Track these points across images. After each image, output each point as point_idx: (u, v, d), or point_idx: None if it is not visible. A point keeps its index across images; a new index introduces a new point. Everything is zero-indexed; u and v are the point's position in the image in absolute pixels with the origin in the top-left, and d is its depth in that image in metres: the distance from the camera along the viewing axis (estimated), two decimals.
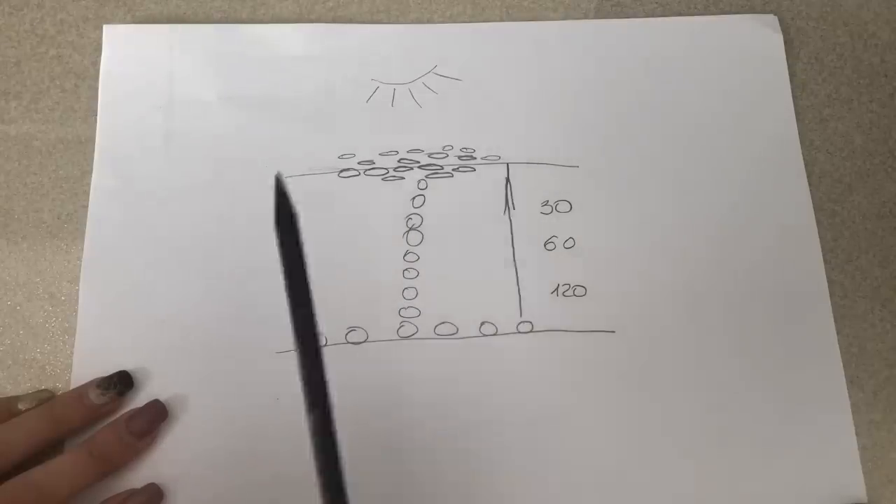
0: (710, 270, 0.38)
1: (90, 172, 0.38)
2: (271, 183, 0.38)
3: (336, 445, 0.30)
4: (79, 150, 0.39)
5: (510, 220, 0.38)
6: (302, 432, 0.34)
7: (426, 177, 0.39)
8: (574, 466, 0.35)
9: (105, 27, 0.40)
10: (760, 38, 0.42)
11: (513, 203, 0.38)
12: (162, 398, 0.34)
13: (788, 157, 0.40)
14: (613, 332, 0.37)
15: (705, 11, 0.42)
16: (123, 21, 0.41)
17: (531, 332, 0.37)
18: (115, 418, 0.34)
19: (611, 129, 0.40)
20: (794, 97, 0.41)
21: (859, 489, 0.35)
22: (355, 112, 0.39)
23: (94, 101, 0.39)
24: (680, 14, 0.42)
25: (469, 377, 0.36)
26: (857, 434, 0.36)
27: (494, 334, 0.36)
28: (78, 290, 0.36)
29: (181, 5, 0.41)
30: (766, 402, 0.36)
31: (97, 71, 0.39)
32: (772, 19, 0.42)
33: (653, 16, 0.42)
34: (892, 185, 0.40)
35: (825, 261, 0.38)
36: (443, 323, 0.36)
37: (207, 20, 0.41)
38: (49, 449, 0.33)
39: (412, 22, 0.41)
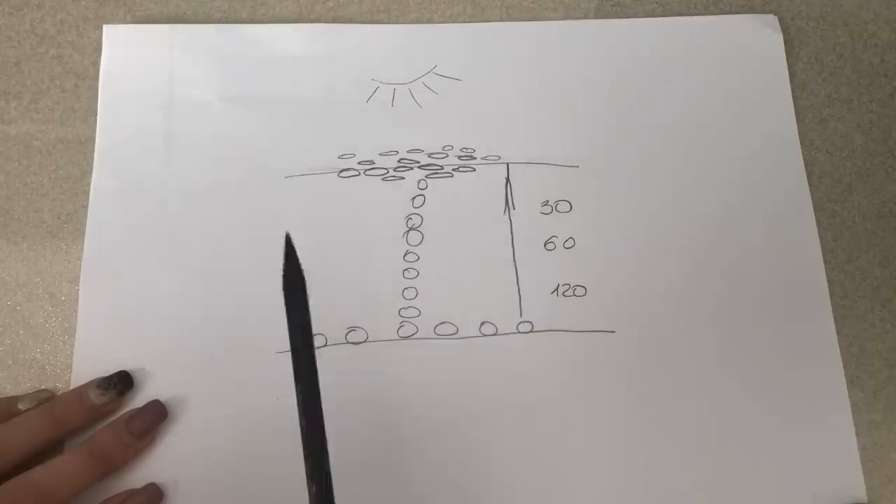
0: (709, 270, 0.38)
1: (90, 172, 0.38)
2: (271, 183, 0.38)
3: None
4: (79, 150, 0.39)
5: (510, 220, 0.38)
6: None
7: (426, 177, 0.39)
8: (574, 466, 0.35)
9: (105, 27, 0.40)
10: (760, 38, 0.42)
11: (513, 203, 0.38)
12: (162, 398, 0.34)
13: (788, 157, 0.40)
14: (613, 332, 0.37)
15: (705, 11, 0.42)
16: (123, 21, 0.41)
17: (531, 332, 0.37)
18: (115, 418, 0.34)
19: (611, 129, 0.40)
20: (794, 97, 0.41)
21: (859, 489, 0.35)
22: (355, 112, 0.39)
23: (94, 101, 0.39)
24: (680, 14, 0.42)
25: (469, 377, 0.36)
26: (857, 434, 0.36)
27: (494, 334, 0.36)
28: (78, 290, 0.36)
29: (181, 5, 0.41)
30: (766, 402, 0.36)
31: (97, 71, 0.39)
32: (772, 19, 0.42)
33: (653, 16, 0.42)
34: (892, 185, 0.40)
35: (825, 261, 0.38)
36: (443, 323, 0.36)
37: (207, 20, 0.41)
38: (49, 449, 0.33)
39: (412, 22, 0.41)
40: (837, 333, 0.37)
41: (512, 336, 0.36)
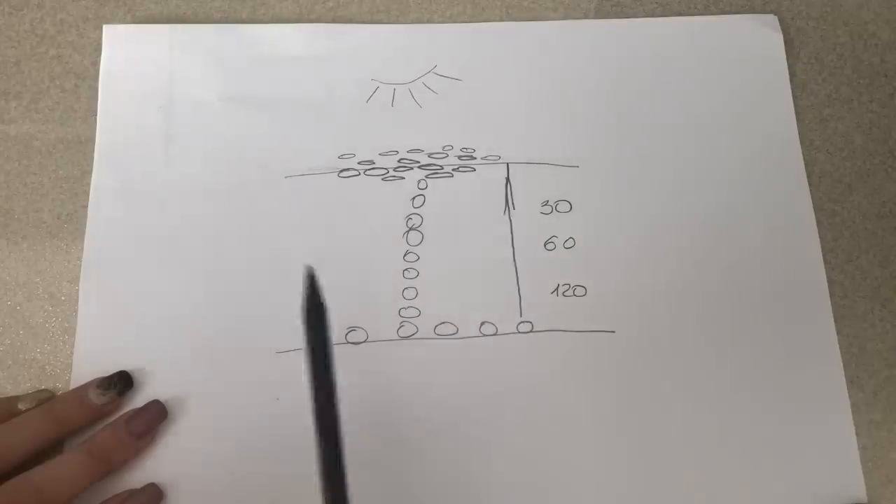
0: (709, 270, 0.38)
1: (90, 172, 0.38)
2: (271, 183, 0.38)
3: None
4: (79, 150, 0.39)
5: (510, 220, 0.38)
6: (302, 432, 0.34)
7: (426, 177, 0.39)
8: (574, 466, 0.35)
9: (105, 27, 0.40)
10: (760, 38, 0.42)
11: (513, 203, 0.38)
12: (162, 398, 0.34)
13: (788, 157, 0.40)
14: (613, 332, 0.37)
15: (705, 11, 0.42)
16: (123, 21, 0.41)
17: (531, 332, 0.37)
18: (115, 418, 0.34)
19: (611, 129, 0.40)
20: (794, 97, 0.41)
21: (859, 489, 0.35)
22: (355, 112, 0.39)
23: (94, 101, 0.39)
24: (680, 14, 0.42)
25: (469, 377, 0.36)
26: (857, 434, 0.36)
27: (494, 334, 0.36)
28: (78, 290, 0.36)
29: (181, 5, 0.41)
30: (766, 402, 0.36)
31: (97, 71, 0.39)
32: (772, 19, 0.42)
33: (653, 16, 0.42)
34: (892, 185, 0.40)
35: (825, 261, 0.38)
36: (443, 323, 0.36)
37: (207, 20, 0.41)
38: (49, 449, 0.33)
39: (412, 22, 0.41)
40: (837, 333, 0.37)
41: (512, 336, 0.36)
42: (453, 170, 0.39)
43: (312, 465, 0.33)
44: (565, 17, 0.42)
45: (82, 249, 0.37)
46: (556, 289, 0.37)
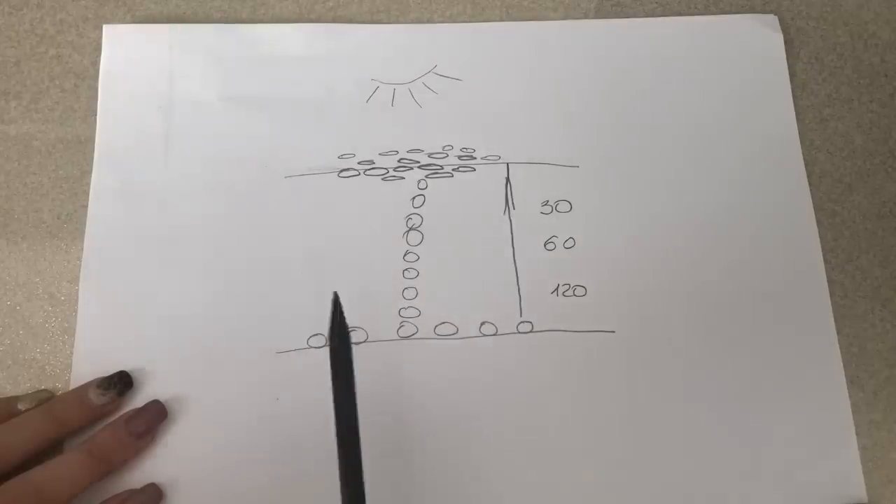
0: (709, 270, 0.38)
1: (90, 172, 0.38)
2: (271, 183, 0.38)
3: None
4: (78, 150, 0.39)
5: (510, 220, 0.38)
6: (301, 432, 0.34)
7: (426, 177, 0.39)
8: (574, 465, 0.35)
9: (105, 27, 0.40)
10: (760, 38, 0.42)
11: (513, 203, 0.38)
12: (162, 398, 0.34)
13: (788, 157, 0.40)
14: (613, 332, 0.37)
15: (705, 11, 0.42)
16: (123, 21, 0.41)
17: (531, 332, 0.37)
18: (115, 418, 0.34)
19: (611, 129, 0.40)
20: (794, 97, 0.41)
21: (859, 489, 0.35)
22: (355, 112, 0.39)
23: (93, 101, 0.39)
24: (680, 14, 0.42)
25: (469, 377, 0.36)
26: (857, 434, 0.36)
27: (494, 334, 0.36)
28: (77, 290, 0.36)
29: (181, 5, 0.41)
30: (766, 402, 0.36)
31: (97, 71, 0.39)
32: (772, 19, 0.42)
33: (653, 16, 0.42)
34: (892, 185, 0.40)
35: (825, 261, 0.38)
36: (443, 323, 0.36)
37: (207, 20, 0.41)
38: (49, 449, 0.33)
39: (412, 22, 0.41)
40: (837, 333, 0.37)
41: (512, 336, 0.36)
42: (453, 170, 0.39)
43: (312, 465, 0.33)
44: (565, 17, 0.42)
45: (82, 249, 0.37)
46: (556, 289, 0.37)
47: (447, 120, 0.39)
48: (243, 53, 0.40)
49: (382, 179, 0.38)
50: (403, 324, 0.36)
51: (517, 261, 0.38)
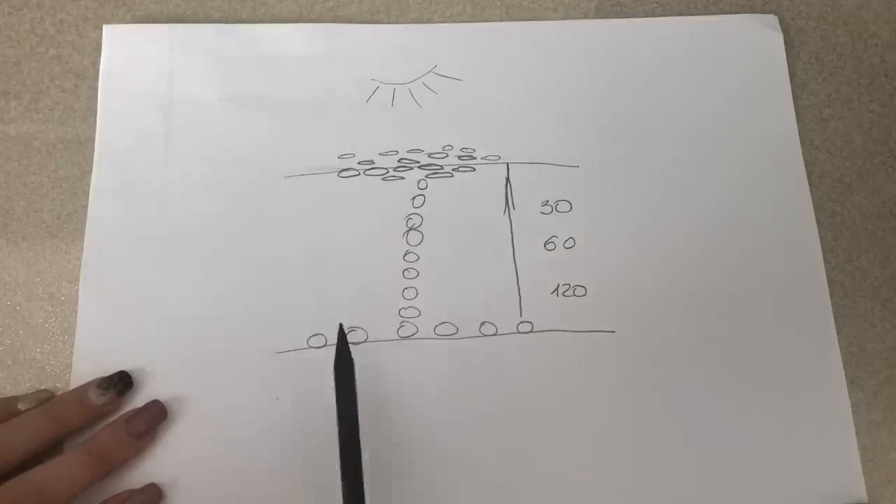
0: (709, 270, 0.38)
1: (90, 172, 0.38)
2: (271, 183, 0.38)
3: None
4: (78, 150, 0.39)
5: (510, 220, 0.38)
6: (301, 432, 0.34)
7: (426, 177, 0.39)
8: (574, 466, 0.35)
9: (105, 27, 0.40)
10: (760, 38, 0.42)
11: (513, 203, 0.38)
12: (162, 398, 0.34)
13: (788, 157, 0.40)
14: (613, 332, 0.37)
15: (705, 11, 0.42)
16: (123, 21, 0.41)
17: (531, 332, 0.37)
18: (115, 418, 0.34)
19: (611, 129, 0.40)
20: (794, 97, 0.41)
21: (859, 489, 0.35)
22: (355, 112, 0.39)
23: (93, 101, 0.39)
24: (680, 14, 0.42)
25: (469, 377, 0.36)
26: (857, 434, 0.36)
27: (494, 334, 0.36)
28: (77, 290, 0.36)
29: (181, 5, 0.41)
30: (766, 402, 0.36)
31: (97, 71, 0.39)
32: (772, 19, 0.42)
33: (653, 16, 0.42)
34: (892, 185, 0.40)
35: (825, 261, 0.38)
36: (443, 323, 0.36)
37: (207, 20, 0.41)
38: (49, 449, 0.33)
39: (412, 22, 0.41)
40: (837, 333, 0.37)
41: (512, 336, 0.36)
42: (453, 170, 0.39)
43: (312, 465, 0.34)
44: (565, 17, 0.42)
45: (82, 249, 0.37)
46: (556, 289, 0.37)
47: (447, 120, 0.39)
48: (243, 53, 0.40)
49: (382, 179, 0.38)
50: (403, 324, 0.36)
51: (517, 261, 0.38)
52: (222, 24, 0.41)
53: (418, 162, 0.39)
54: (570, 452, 0.35)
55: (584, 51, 0.41)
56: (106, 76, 0.39)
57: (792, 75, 0.41)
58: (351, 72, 0.40)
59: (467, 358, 0.36)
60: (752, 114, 0.40)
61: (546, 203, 0.39)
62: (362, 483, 0.31)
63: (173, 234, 0.37)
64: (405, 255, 0.37)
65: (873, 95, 0.42)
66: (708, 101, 0.41)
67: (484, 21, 0.42)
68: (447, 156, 0.39)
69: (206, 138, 0.39)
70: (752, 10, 0.43)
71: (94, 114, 0.39)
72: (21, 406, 0.33)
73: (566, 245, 0.38)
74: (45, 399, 0.34)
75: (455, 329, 0.36)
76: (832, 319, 0.38)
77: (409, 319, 0.36)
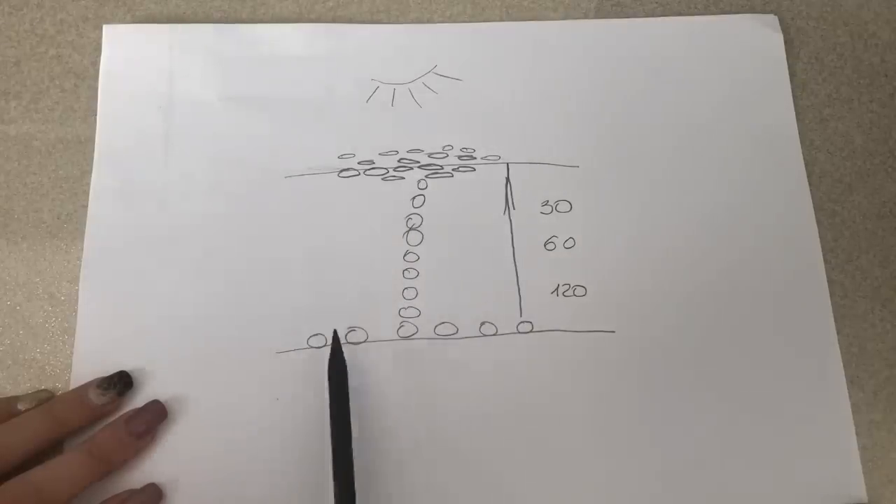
0: (709, 270, 0.38)
1: (90, 172, 0.38)
2: (271, 183, 0.38)
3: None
4: (78, 150, 0.39)
5: (510, 220, 0.38)
6: (301, 432, 0.34)
7: (426, 177, 0.39)
8: (574, 466, 0.35)
9: (105, 27, 0.40)
10: (760, 37, 0.42)
11: (513, 203, 0.38)
12: (162, 398, 0.34)
13: (788, 157, 0.40)
14: (613, 332, 0.37)
15: (705, 11, 0.42)
16: (123, 21, 0.41)
17: (531, 332, 0.37)
18: (115, 418, 0.34)
19: (611, 129, 0.40)
20: (794, 97, 0.41)
21: (859, 489, 0.35)
22: (355, 112, 0.39)
23: (93, 101, 0.39)
24: (680, 14, 0.42)
25: (469, 377, 0.36)
26: (857, 434, 0.36)
27: (494, 334, 0.36)
28: (77, 290, 0.36)
29: (181, 5, 0.41)
30: (766, 402, 0.36)
31: (97, 71, 0.39)
32: (772, 19, 0.42)
33: (653, 16, 0.42)
34: (892, 185, 0.40)
35: (825, 261, 0.38)
36: (443, 323, 0.36)
37: (207, 20, 0.41)
38: (49, 449, 0.33)
39: (412, 22, 0.41)
40: (837, 333, 0.37)
41: (512, 336, 0.36)
42: (453, 170, 0.39)
43: (311, 465, 0.33)
44: (565, 17, 0.42)
45: (82, 249, 0.37)
46: (556, 289, 0.37)
47: (447, 120, 0.39)
48: (243, 53, 0.40)
49: (382, 179, 0.38)
50: (403, 324, 0.36)
51: (517, 261, 0.38)
52: (222, 24, 0.41)
53: (418, 162, 0.39)
54: (569, 452, 0.35)
55: (584, 51, 0.41)
56: (106, 76, 0.39)
57: (792, 75, 0.41)
58: (351, 72, 0.40)
59: (467, 358, 0.36)
60: (753, 114, 0.40)
61: (546, 203, 0.39)
62: (353, 483, 0.31)
63: (173, 234, 0.37)
64: (405, 255, 0.37)
65: (873, 95, 0.42)
66: (708, 101, 0.41)
67: (484, 21, 0.42)
68: (447, 156, 0.39)
69: (206, 138, 0.39)
70: (752, 10, 0.43)
71: (94, 114, 0.39)
72: (21, 406, 0.33)
73: (566, 245, 0.38)
74: (45, 399, 0.34)
75: (455, 329, 0.36)
76: (832, 319, 0.38)
77: (409, 319, 0.36)
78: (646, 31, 0.42)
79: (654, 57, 0.41)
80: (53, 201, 0.38)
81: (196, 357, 0.35)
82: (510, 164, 0.39)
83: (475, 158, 0.39)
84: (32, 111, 0.39)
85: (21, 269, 0.37)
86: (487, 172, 0.39)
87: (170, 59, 0.40)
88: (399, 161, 0.39)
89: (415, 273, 0.37)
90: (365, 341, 0.36)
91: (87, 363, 0.35)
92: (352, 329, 0.36)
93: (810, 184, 0.40)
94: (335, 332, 0.35)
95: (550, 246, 0.38)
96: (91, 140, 0.38)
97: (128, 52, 0.40)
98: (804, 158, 0.40)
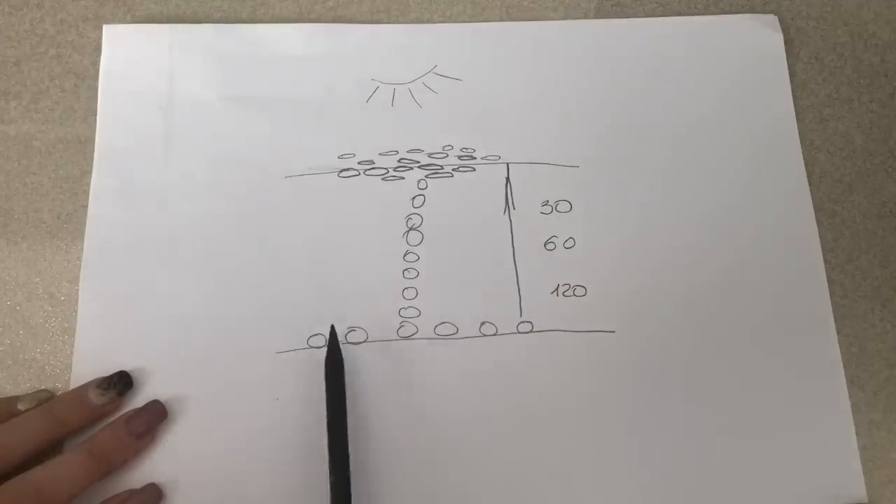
0: (709, 270, 0.38)
1: (90, 172, 0.38)
2: (271, 183, 0.38)
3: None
4: (79, 150, 0.39)
5: (510, 220, 0.38)
6: (301, 432, 0.34)
7: (426, 177, 0.39)
8: (574, 466, 0.35)
9: (105, 27, 0.40)
10: (760, 38, 0.42)
11: (513, 203, 0.38)
12: (162, 398, 0.34)
13: (788, 157, 0.40)
14: (613, 332, 0.37)
15: (705, 11, 0.42)
16: (123, 21, 0.41)
17: (531, 332, 0.37)
18: (115, 418, 0.34)
19: (611, 129, 0.40)
20: (794, 97, 0.41)
21: (859, 489, 0.35)
22: (355, 112, 0.39)
23: (93, 101, 0.39)
24: (680, 14, 0.42)
25: (469, 377, 0.36)
26: (857, 434, 0.36)
27: (494, 334, 0.36)
28: (77, 290, 0.36)
29: (181, 5, 0.41)
30: (766, 402, 0.36)
31: (97, 71, 0.39)
32: (772, 19, 0.42)
33: (653, 16, 0.42)
34: (892, 185, 0.40)
35: (825, 261, 0.38)
36: (443, 323, 0.36)
37: (207, 20, 0.41)
38: (49, 449, 0.33)
39: (412, 22, 0.41)
40: (837, 333, 0.37)
41: (512, 336, 0.36)
42: (453, 170, 0.39)
43: (311, 465, 0.33)
44: (565, 17, 0.42)
45: (82, 249, 0.37)
46: (556, 289, 0.37)
47: (447, 120, 0.39)
48: (243, 53, 0.40)
49: (382, 179, 0.38)
50: (403, 324, 0.36)
51: (517, 261, 0.38)
52: (222, 24, 0.41)
53: (418, 162, 0.39)
54: (570, 452, 0.35)
55: (584, 51, 0.41)
56: (106, 76, 0.39)
57: (792, 75, 0.41)
58: (351, 72, 0.40)
59: (467, 358, 0.36)
60: (752, 114, 0.40)
61: (546, 203, 0.39)
62: (349, 479, 0.32)
63: (173, 234, 0.37)
64: (405, 255, 0.37)
65: (873, 95, 0.42)
66: (708, 101, 0.41)
67: (484, 21, 0.42)
68: (447, 156, 0.39)
69: (206, 138, 0.39)
70: (752, 10, 0.43)
71: (94, 114, 0.39)
72: (21, 406, 0.33)
73: (566, 245, 0.38)
74: (45, 399, 0.34)
75: (455, 329, 0.36)
76: (832, 319, 0.38)
77: (409, 319, 0.36)
78: (646, 31, 0.42)
79: (654, 57, 0.41)
80: (53, 201, 0.38)
81: (196, 357, 0.35)
82: (510, 164, 0.39)
83: (475, 158, 0.39)
84: (32, 111, 0.39)
85: (21, 269, 0.37)
86: (487, 172, 0.39)
87: (170, 59, 0.40)
88: (399, 161, 0.39)
89: (415, 273, 0.37)
90: (365, 341, 0.36)
91: (87, 363, 0.35)
92: (352, 329, 0.36)
93: (810, 184, 0.40)
94: (332, 327, 0.34)
95: (550, 246, 0.38)
96: (91, 140, 0.38)
97: (128, 52, 0.40)
98: (804, 158, 0.40)
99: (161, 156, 0.38)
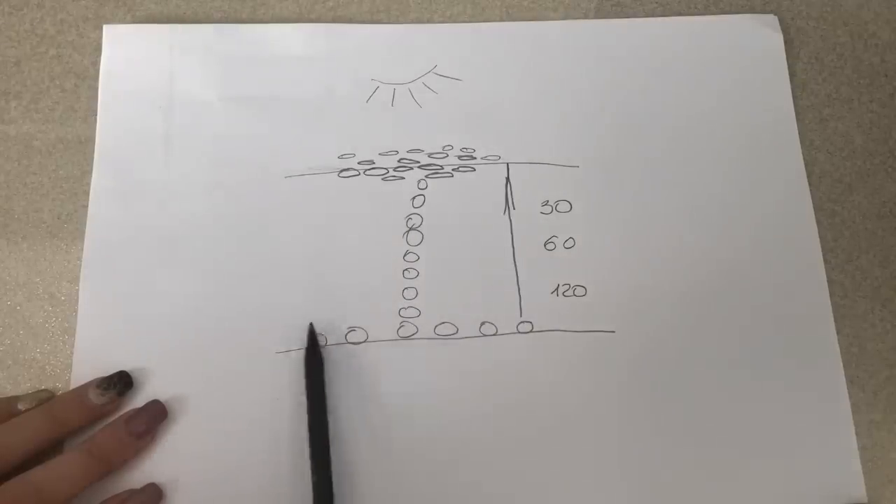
0: (709, 270, 0.38)
1: (90, 172, 0.38)
2: (271, 183, 0.38)
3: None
4: (79, 150, 0.39)
5: (510, 220, 0.38)
6: (300, 432, 0.34)
7: (426, 177, 0.39)
8: (574, 465, 0.35)
9: (105, 27, 0.40)
10: (760, 38, 0.42)
11: (513, 203, 0.38)
12: (162, 398, 0.34)
13: (788, 157, 0.40)
14: (613, 332, 0.37)
15: (705, 11, 0.42)
16: (123, 21, 0.41)
17: (531, 332, 0.37)
18: (115, 418, 0.34)
19: (611, 129, 0.40)
20: (794, 97, 0.41)
21: (859, 489, 0.35)
22: (355, 112, 0.39)
23: (94, 101, 0.39)
24: (680, 14, 0.42)
25: (469, 377, 0.36)
26: (857, 434, 0.36)
27: (494, 334, 0.36)
28: (78, 290, 0.36)
29: (181, 5, 0.41)
30: (765, 402, 0.36)
31: (97, 71, 0.39)
32: (772, 19, 0.42)
33: (653, 16, 0.42)
34: (892, 185, 0.40)
35: (825, 261, 0.38)
36: (443, 323, 0.36)
37: (207, 20, 0.41)
38: (49, 449, 0.33)
39: (412, 22, 0.41)
40: (837, 333, 0.37)
41: (512, 336, 0.36)
42: (453, 170, 0.39)
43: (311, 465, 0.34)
44: (565, 17, 0.42)
45: (82, 249, 0.37)
46: (556, 289, 0.37)
47: (447, 120, 0.39)
48: (243, 53, 0.40)
49: (382, 179, 0.38)
50: (403, 324, 0.36)
51: (517, 261, 0.38)
52: (222, 24, 0.41)
53: (418, 162, 0.39)
54: (569, 452, 0.35)
55: (584, 51, 0.41)
56: (106, 76, 0.39)
57: (792, 75, 0.41)
58: (351, 72, 0.40)
59: (467, 358, 0.36)
60: (752, 114, 0.40)
61: (546, 203, 0.39)
62: (331, 479, 0.32)
63: (173, 233, 0.37)
64: (405, 255, 0.37)
65: (873, 95, 0.42)
66: (708, 102, 0.41)
67: (484, 21, 0.42)
68: (447, 156, 0.39)
69: (206, 138, 0.39)
70: (752, 10, 0.43)
71: (94, 114, 0.39)
72: (21, 406, 0.33)
73: (566, 245, 0.38)
74: (45, 399, 0.34)
75: (455, 329, 0.36)
76: (832, 319, 0.38)
77: (409, 319, 0.36)
78: (646, 31, 0.42)
79: (654, 57, 0.41)
80: (53, 201, 0.38)
81: (196, 357, 0.35)
82: (510, 164, 0.39)
83: (475, 158, 0.39)
84: (32, 111, 0.39)
85: (21, 269, 0.37)
86: (487, 172, 0.39)
87: (170, 59, 0.40)
88: (399, 161, 0.39)
89: (415, 273, 0.37)
90: (365, 341, 0.36)
91: (87, 363, 0.35)
92: (352, 329, 0.36)
93: (810, 184, 0.40)
94: (311, 325, 0.35)
95: (550, 246, 0.38)
96: (91, 140, 0.38)
97: (128, 52, 0.40)
98: (804, 158, 0.40)
99: (161, 156, 0.38)
